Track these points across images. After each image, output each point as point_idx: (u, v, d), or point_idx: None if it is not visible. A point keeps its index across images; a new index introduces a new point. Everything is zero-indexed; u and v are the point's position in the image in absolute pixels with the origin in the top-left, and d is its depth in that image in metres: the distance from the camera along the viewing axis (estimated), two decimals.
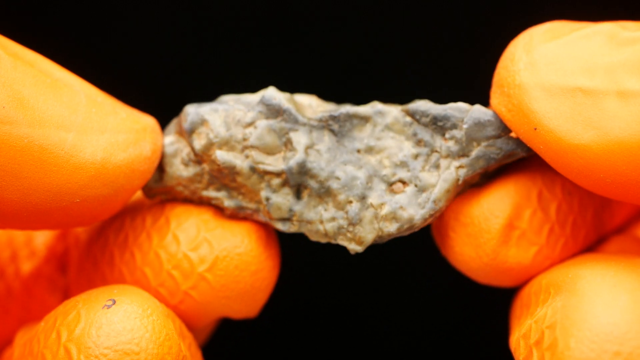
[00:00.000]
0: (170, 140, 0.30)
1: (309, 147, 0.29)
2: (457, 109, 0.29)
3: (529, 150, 0.29)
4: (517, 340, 0.28)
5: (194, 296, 0.30)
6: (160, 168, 0.30)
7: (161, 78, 0.49)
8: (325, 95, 0.41)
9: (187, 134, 0.30)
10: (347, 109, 0.29)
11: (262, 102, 0.29)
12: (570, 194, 0.29)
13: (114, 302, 0.28)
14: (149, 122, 0.29)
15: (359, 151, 0.29)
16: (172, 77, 0.49)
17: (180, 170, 0.30)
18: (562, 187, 0.29)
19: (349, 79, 0.48)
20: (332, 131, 0.29)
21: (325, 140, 0.29)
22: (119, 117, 0.28)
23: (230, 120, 0.29)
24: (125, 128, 0.28)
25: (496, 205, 0.29)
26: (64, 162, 0.27)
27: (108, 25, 0.49)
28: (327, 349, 0.50)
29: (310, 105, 0.30)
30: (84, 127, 0.27)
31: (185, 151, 0.30)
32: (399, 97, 0.43)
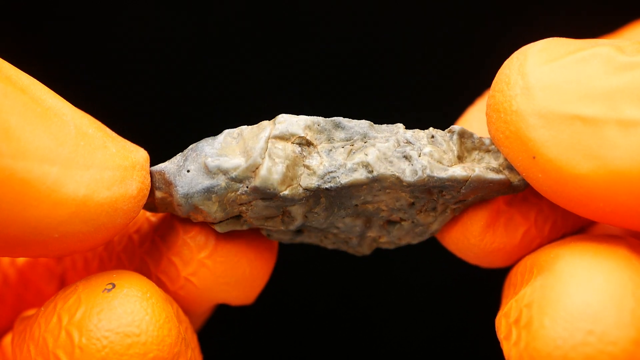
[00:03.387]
0: (161, 195, 0.30)
1: (307, 213, 0.29)
2: (456, 180, 0.28)
3: (522, 190, 0.29)
4: (499, 319, 0.28)
5: (194, 282, 0.30)
6: (153, 204, 0.30)
7: (160, 81, 0.49)
8: (323, 96, 0.41)
9: (183, 215, 0.29)
10: (343, 180, 0.28)
11: (258, 189, 0.28)
12: None
13: (114, 286, 0.28)
14: (138, 158, 0.28)
15: (356, 205, 0.30)
16: (172, 81, 0.49)
17: (175, 212, 0.30)
18: None
19: (347, 79, 0.49)
20: (328, 194, 0.29)
21: (322, 202, 0.29)
22: (107, 151, 0.27)
23: (225, 202, 0.29)
24: (112, 164, 0.27)
25: None
26: (45, 197, 0.26)
27: (109, 26, 0.49)
28: (320, 336, 0.51)
29: (304, 163, 0.29)
30: (70, 161, 0.26)
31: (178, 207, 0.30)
32: (394, 101, 0.43)
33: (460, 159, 0.29)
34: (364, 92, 0.48)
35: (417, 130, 0.29)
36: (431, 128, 0.29)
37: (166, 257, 0.31)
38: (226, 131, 0.29)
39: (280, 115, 0.29)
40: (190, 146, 0.29)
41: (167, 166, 0.29)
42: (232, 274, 0.31)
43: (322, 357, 0.50)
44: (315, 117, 0.29)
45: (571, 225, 0.30)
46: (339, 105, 0.47)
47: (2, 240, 0.26)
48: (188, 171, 0.29)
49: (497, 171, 0.29)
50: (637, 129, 0.25)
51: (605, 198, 0.26)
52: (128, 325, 0.27)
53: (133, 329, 0.27)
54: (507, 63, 0.28)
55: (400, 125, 0.29)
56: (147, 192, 0.29)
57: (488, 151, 0.29)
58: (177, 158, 0.29)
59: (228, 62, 0.48)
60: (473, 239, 0.29)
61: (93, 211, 0.27)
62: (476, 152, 0.29)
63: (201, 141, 0.29)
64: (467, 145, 0.29)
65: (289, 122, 0.28)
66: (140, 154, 0.29)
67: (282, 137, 0.28)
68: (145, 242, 0.32)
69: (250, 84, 0.47)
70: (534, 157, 0.27)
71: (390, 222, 0.31)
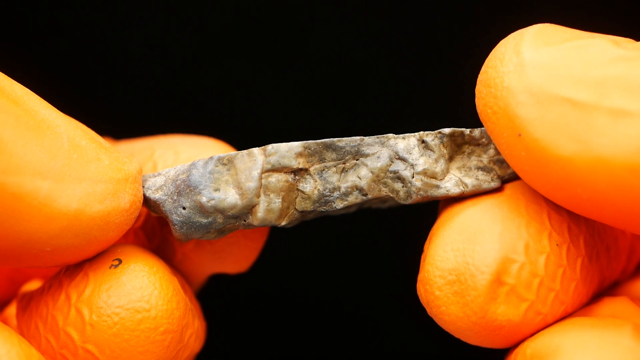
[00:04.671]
0: (157, 216, 0.30)
1: (302, 219, 0.30)
2: (449, 197, 0.29)
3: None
4: None
5: (192, 257, 0.31)
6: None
7: (158, 83, 0.49)
8: (321, 99, 0.40)
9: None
10: (338, 205, 0.29)
11: (256, 225, 0.29)
12: (558, 246, 0.29)
13: (120, 261, 0.28)
14: (132, 170, 0.28)
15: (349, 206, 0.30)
16: (171, 82, 0.49)
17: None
18: (550, 238, 0.29)
19: (346, 79, 0.48)
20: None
21: (317, 211, 0.30)
22: (100, 164, 0.27)
23: (223, 230, 0.29)
24: (105, 177, 0.27)
25: (482, 260, 0.28)
26: (37, 212, 0.26)
27: (108, 27, 0.48)
28: (315, 297, 0.51)
29: (298, 187, 0.29)
30: (62, 174, 0.26)
31: None
32: (392, 102, 0.43)
33: (452, 158, 0.29)
34: (362, 93, 0.48)
35: (407, 136, 0.29)
36: (421, 132, 0.29)
37: (160, 234, 0.31)
38: (216, 157, 0.28)
39: (270, 146, 0.28)
40: (180, 171, 0.29)
41: (161, 197, 0.29)
42: (228, 247, 0.31)
43: (318, 318, 0.51)
44: (305, 141, 0.29)
45: (571, 298, 0.29)
46: (338, 106, 0.47)
47: None
48: (184, 208, 0.29)
49: (488, 170, 0.29)
50: (626, 119, 0.25)
51: (584, 184, 0.26)
52: (138, 301, 0.27)
53: (143, 304, 0.27)
54: (503, 42, 0.28)
55: (391, 135, 0.29)
56: (140, 205, 0.28)
57: (478, 145, 0.29)
58: (170, 187, 0.29)
59: (227, 66, 0.48)
60: (474, 316, 0.28)
61: (85, 225, 0.27)
62: (466, 145, 0.29)
63: (192, 169, 0.29)
64: (458, 141, 0.29)
65: (281, 154, 0.28)
66: (133, 166, 0.28)
67: (275, 170, 0.29)
68: (140, 218, 0.32)
69: (249, 86, 0.47)
70: (519, 135, 0.26)
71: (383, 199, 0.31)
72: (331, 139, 0.29)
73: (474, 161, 0.29)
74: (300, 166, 0.29)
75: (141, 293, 0.28)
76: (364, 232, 0.47)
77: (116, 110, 0.48)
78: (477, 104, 0.28)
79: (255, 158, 0.28)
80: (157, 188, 0.29)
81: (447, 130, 0.29)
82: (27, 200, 0.26)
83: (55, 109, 0.28)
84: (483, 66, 0.28)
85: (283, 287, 0.51)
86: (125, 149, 0.33)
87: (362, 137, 0.29)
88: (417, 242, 0.31)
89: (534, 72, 0.26)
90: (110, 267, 0.28)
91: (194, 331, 0.29)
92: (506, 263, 0.28)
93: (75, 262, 0.28)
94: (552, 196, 0.27)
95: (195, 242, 0.31)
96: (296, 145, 0.29)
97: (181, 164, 0.31)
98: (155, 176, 0.29)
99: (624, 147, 0.25)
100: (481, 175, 0.29)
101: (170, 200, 0.29)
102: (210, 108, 0.48)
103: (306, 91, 0.47)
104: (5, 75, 0.27)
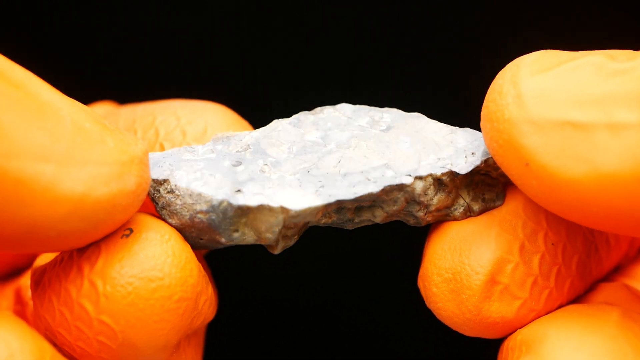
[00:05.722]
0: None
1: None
2: (458, 220, 0.30)
3: None
4: None
5: None
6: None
7: (163, 76, 0.49)
8: (320, 93, 0.40)
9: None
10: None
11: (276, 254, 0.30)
12: (553, 245, 0.29)
13: (132, 231, 0.28)
14: (137, 151, 0.28)
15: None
16: (173, 77, 0.49)
17: None
18: (545, 238, 0.29)
19: (347, 80, 0.48)
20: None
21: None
22: (105, 146, 0.27)
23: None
24: (110, 159, 0.27)
25: (477, 261, 0.29)
26: (40, 196, 0.25)
27: (109, 20, 0.48)
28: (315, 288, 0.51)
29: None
30: (66, 157, 0.26)
31: None
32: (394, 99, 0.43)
33: (463, 181, 0.30)
34: (365, 92, 0.48)
35: (425, 177, 0.29)
36: (439, 172, 0.29)
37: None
38: (236, 205, 0.29)
39: (292, 211, 0.29)
40: (198, 204, 0.29)
41: (178, 225, 0.29)
42: None
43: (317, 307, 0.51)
44: (327, 201, 0.29)
45: (566, 294, 0.30)
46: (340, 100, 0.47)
47: None
48: (201, 239, 0.29)
49: (494, 184, 0.30)
50: (627, 132, 0.25)
51: (597, 202, 0.26)
52: (151, 270, 0.27)
53: (156, 272, 0.27)
54: (501, 74, 0.28)
55: (410, 178, 0.29)
56: (147, 187, 0.28)
57: (489, 165, 0.30)
58: (186, 219, 0.29)
59: (225, 59, 0.48)
60: (469, 314, 0.29)
61: (91, 208, 0.26)
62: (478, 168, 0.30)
63: (210, 212, 0.29)
64: (472, 170, 0.30)
65: (303, 216, 0.29)
66: (139, 147, 0.28)
67: (296, 223, 0.29)
68: None
69: (251, 83, 0.47)
70: (527, 164, 0.27)
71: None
72: (350, 197, 0.29)
73: (482, 176, 0.30)
74: (320, 217, 0.29)
75: (154, 262, 0.28)
76: (370, 228, 0.47)
77: (119, 76, 0.48)
78: (484, 138, 0.28)
79: (277, 216, 0.29)
80: (173, 212, 0.29)
81: (464, 171, 0.29)
82: (30, 185, 0.25)
83: (58, 91, 0.27)
84: (484, 100, 0.28)
85: (289, 285, 0.51)
86: (128, 114, 0.33)
87: (384, 186, 0.29)
88: (423, 242, 0.31)
89: (532, 101, 0.26)
90: (121, 237, 0.28)
91: (208, 298, 0.29)
92: (501, 263, 0.29)
93: (82, 246, 0.28)
94: (570, 218, 0.27)
95: None
96: (319, 207, 0.29)
97: (181, 131, 0.32)
98: (169, 192, 0.29)
99: (629, 161, 0.25)
100: (487, 192, 0.30)
101: (187, 230, 0.29)
102: (213, 74, 0.48)
103: (313, 84, 0.47)
104: (6, 58, 0.27)
